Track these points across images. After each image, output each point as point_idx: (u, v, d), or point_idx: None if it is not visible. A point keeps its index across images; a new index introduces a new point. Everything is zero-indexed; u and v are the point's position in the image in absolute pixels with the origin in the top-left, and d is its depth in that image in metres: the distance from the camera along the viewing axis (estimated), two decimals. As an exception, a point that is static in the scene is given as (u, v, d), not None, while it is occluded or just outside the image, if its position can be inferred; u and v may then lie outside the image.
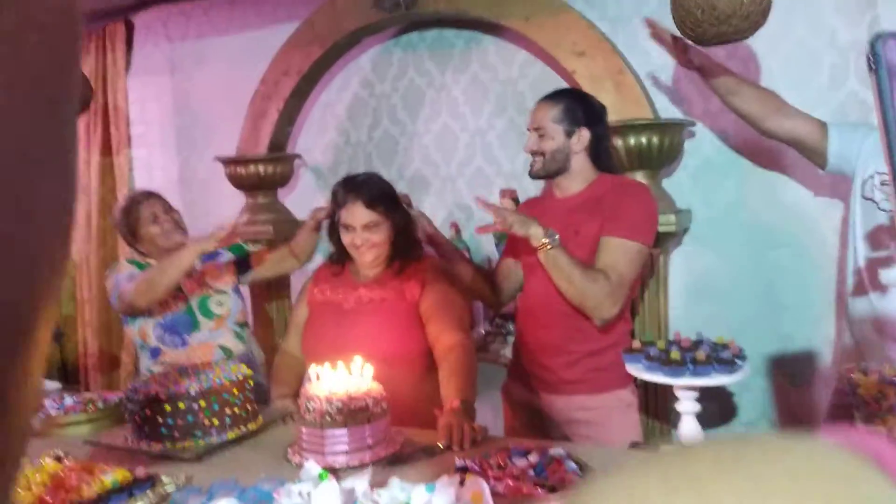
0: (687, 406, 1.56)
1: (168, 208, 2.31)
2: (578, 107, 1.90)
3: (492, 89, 2.93)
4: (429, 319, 1.83)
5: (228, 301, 2.33)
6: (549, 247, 1.73)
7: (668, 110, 2.56)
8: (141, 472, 1.42)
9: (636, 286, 1.94)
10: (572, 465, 1.32)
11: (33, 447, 1.59)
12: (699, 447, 0.26)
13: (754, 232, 2.49)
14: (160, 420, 1.59)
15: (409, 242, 1.92)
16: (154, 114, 3.73)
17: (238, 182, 3.19)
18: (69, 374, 3.95)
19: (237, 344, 2.31)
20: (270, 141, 3.15)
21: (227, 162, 3.20)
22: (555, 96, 1.93)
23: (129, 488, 1.37)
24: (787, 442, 0.26)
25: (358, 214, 1.85)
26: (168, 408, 1.58)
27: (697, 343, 1.59)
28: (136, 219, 2.26)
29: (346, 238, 1.88)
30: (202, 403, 1.59)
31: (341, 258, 1.97)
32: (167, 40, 3.60)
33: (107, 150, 3.79)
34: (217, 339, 2.27)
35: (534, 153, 1.89)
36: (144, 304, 2.10)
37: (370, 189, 1.88)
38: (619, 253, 1.75)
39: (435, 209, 3.03)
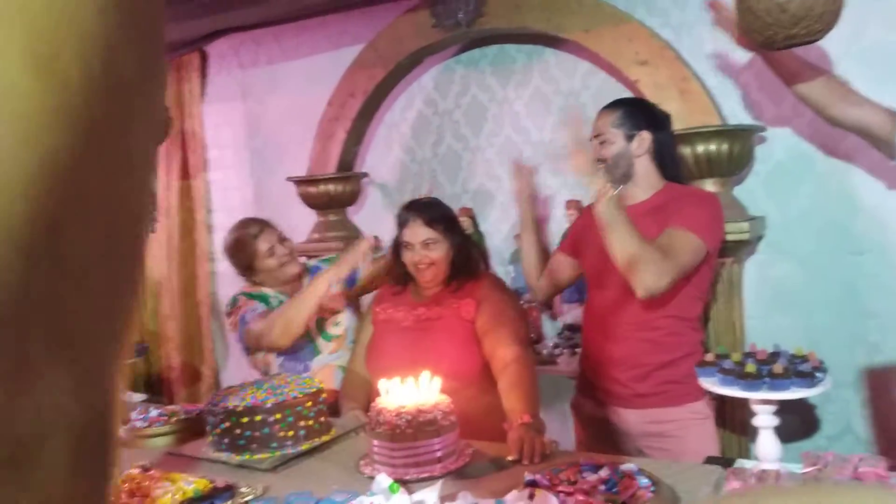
0: (764, 420, 1.50)
1: (282, 238, 2.26)
2: (638, 111, 1.89)
3: (554, 101, 2.92)
4: (485, 335, 1.85)
5: (344, 319, 2.30)
6: (610, 194, 1.68)
7: (736, 116, 2.49)
8: (221, 481, 1.48)
9: (706, 290, 1.89)
10: (644, 480, 1.30)
11: (120, 457, 1.68)
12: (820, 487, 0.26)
13: (833, 236, 2.39)
14: (238, 432, 1.65)
15: (467, 263, 1.97)
16: (228, 138, 3.89)
17: (309, 201, 3.29)
18: (154, 387, 4.14)
19: None
20: (339, 161, 3.24)
21: (298, 182, 3.31)
22: (614, 103, 1.94)
23: (209, 497, 1.43)
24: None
25: (418, 232, 1.93)
26: (245, 420, 1.64)
27: (774, 355, 1.54)
28: (252, 253, 2.21)
29: (406, 256, 1.96)
30: (278, 416, 1.64)
31: (403, 279, 2.02)
32: (239, 67, 3.76)
33: (185, 174, 3.98)
34: (337, 361, 2.24)
35: (597, 161, 1.88)
36: (286, 342, 2.07)
37: (430, 210, 1.98)
38: (676, 238, 1.72)
39: (499, 222, 3.05)
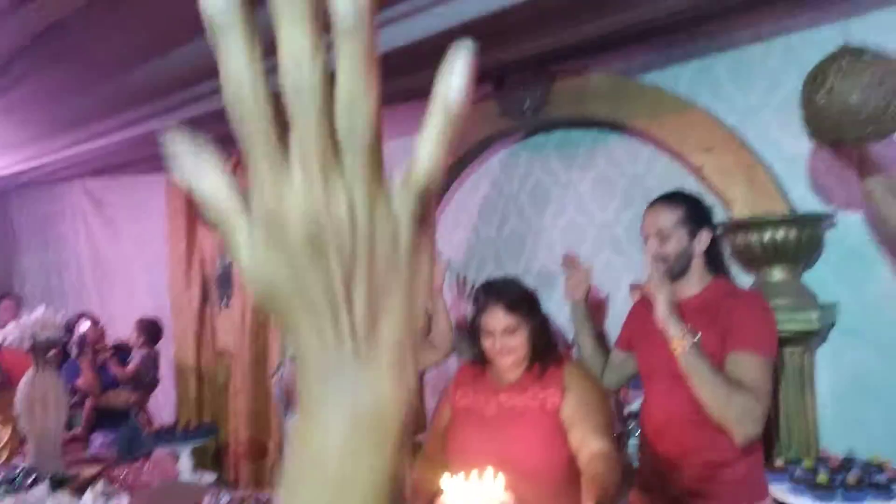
0: (840, 532, 1.44)
1: None
2: (699, 207, 1.90)
3: (618, 184, 2.95)
4: (571, 426, 1.77)
5: None
6: (688, 346, 1.67)
7: (805, 201, 2.46)
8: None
9: None
10: None
11: None
12: None
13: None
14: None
15: (548, 345, 1.91)
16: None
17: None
18: (220, 462, 4.22)
19: None
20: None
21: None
22: (672, 199, 1.92)
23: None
24: None
25: (498, 318, 1.85)
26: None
27: (848, 462, 1.49)
28: None
29: (486, 342, 1.88)
30: None
31: (482, 360, 1.99)
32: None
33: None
34: None
35: (656, 258, 1.87)
36: None
37: (510, 293, 1.89)
38: (753, 368, 1.68)
39: (563, 304, 3.04)
